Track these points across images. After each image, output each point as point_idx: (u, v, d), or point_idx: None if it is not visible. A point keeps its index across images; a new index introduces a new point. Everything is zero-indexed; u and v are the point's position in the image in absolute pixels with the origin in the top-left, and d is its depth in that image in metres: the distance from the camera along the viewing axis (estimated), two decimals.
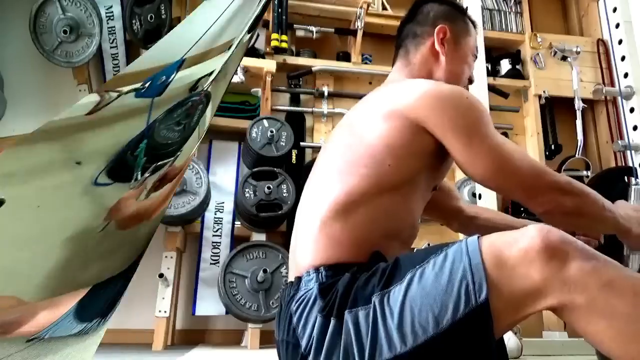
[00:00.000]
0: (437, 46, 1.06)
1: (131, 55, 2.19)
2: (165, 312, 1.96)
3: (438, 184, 1.05)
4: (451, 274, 0.70)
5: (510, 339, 1.59)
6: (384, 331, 0.71)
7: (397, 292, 0.73)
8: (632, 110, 1.78)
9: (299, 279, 0.87)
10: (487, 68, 2.55)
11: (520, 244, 0.70)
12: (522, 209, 2.39)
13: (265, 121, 2.16)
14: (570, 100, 2.50)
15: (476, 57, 1.15)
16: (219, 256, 2.15)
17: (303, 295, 0.83)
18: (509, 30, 2.68)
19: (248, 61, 2.18)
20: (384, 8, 2.55)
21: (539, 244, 0.68)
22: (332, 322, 0.75)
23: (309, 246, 0.89)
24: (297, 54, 2.46)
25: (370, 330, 0.72)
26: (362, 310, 0.74)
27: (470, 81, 1.14)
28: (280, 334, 0.87)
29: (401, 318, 0.70)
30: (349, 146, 0.93)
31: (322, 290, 0.80)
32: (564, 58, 2.62)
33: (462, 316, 0.68)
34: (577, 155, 2.47)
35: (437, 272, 0.71)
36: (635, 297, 0.66)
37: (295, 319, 0.82)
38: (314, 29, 2.42)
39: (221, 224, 2.19)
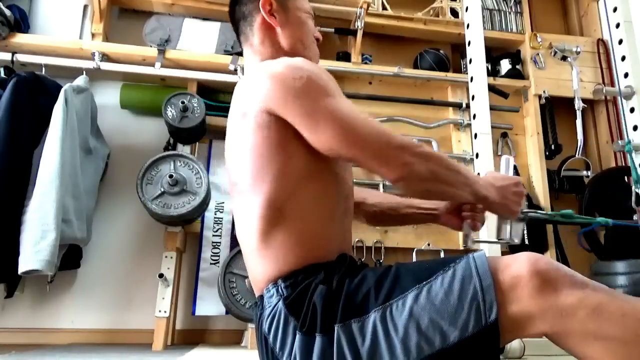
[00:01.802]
0: (268, 19, 1.04)
1: (233, 246, 2.12)
2: (165, 312, 1.96)
3: None
4: (461, 292, 0.71)
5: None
6: (386, 345, 0.71)
7: (401, 307, 0.73)
8: (632, 110, 1.78)
9: (261, 297, 0.87)
10: (487, 68, 2.55)
11: (512, 269, 0.72)
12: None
13: None
14: (570, 100, 2.49)
15: (312, 14, 1.13)
16: (219, 256, 2.14)
17: (270, 313, 0.83)
18: (509, 30, 2.67)
19: None
20: (384, 8, 2.55)
21: (526, 272, 0.70)
22: (318, 338, 0.75)
23: (257, 267, 0.89)
24: None
25: (369, 343, 0.72)
26: (355, 323, 0.74)
27: (318, 40, 1.13)
28: (261, 355, 0.87)
29: (406, 332, 0.71)
30: (240, 164, 0.92)
31: (288, 305, 0.80)
32: (564, 58, 2.62)
33: (470, 334, 0.69)
34: (577, 155, 2.47)
35: (446, 290, 0.72)
36: (624, 319, 0.68)
37: (271, 340, 0.81)
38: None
39: (221, 224, 2.19)
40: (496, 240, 1.05)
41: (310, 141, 0.85)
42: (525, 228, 1.13)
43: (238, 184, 0.92)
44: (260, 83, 0.89)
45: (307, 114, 0.85)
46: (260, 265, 0.88)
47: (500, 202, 0.94)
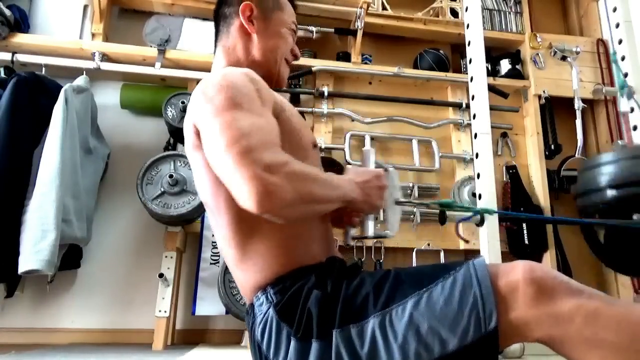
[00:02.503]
0: (245, 24, 1.02)
1: None
2: (165, 312, 1.96)
3: (306, 142, 0.97)
4: (461, 300, 0.72)
5: None
6: (385, 350, 0.71)
7: (400, 313, 0.73)
8: (632, 110, 1.78)
9: (251, 305, 0.87)
10: (487, 68, 2.55)
11: (509, 277, 0.73)
12: (522, 208, 2.40)
13: None
14: (570, 100, 2.50)
15: (295, 31, 1.10)
16: (219, 256, 2.15)
17: (261, 320, 0.82)
18: (509, 30, 2.68)
19: None
20: (384, 8, 2.55)
21: (523, 280, 0.71)
22: (315, 343, 0.74)
23: (241, 278, 0.89)
24: None
25: (368, 348, 0.72)
26: (354, 328, 0.74)
27: (296, 57, 1.10)
28: None
29: (405, 339, 0.71)
30: (199, 184, 0.91)
31: (280, 311, 0.80)
32: (563, 58, 2.62)
33: (470, 342, 0.70)
34: (577, 155, 2.47)
35: (446, 297, 0.73)
36: (620, 325, 0.68)
37: (264, 347, 0.81)
38: (314, 29, 2.42)
39: None
40: (363, 236, 1.03)
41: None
42: (399, 219, 1.09)
43: (206, 203, 0.92)
44: (193, 95, 0.87)
45: (204, 124, 0.81)
46: (245, 276, 0.88)
47: (363, 199, 0.91)
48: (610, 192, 1.53)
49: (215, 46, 1.08)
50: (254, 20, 1.03)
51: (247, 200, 0.71)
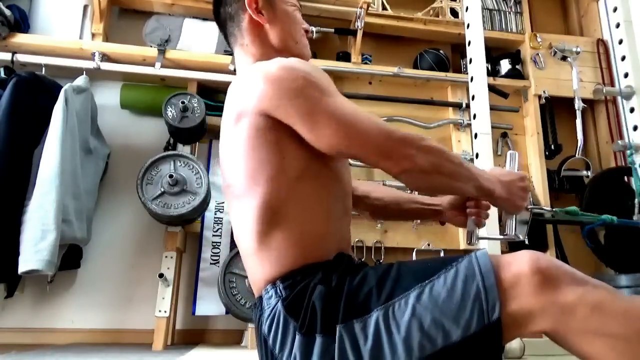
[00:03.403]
0: (255, 17, 1.02)
1: (233, 246, 2.11)
2: (165, 312, 1.96)
3: None
4: (464, 291, 0.71)
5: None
6: (388, 344, 0.71)
7: (403, 306, 0.73)
8: (632, 110, 1.78)
9: (260, 298, 0.87)
10: (487, 68, 2.55)
11: (513, 267, 0.72)
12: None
13: None
14: (570, 100, 2.50)
15: (298, 7, 1.11)
16: (219, 256, 2.14)
17: (269, 314, 0.82)
18: (509, 30, 2.67)
19: None
20: (384, 8, 2.55)
21: (528, 270, 0.70)
22: (319, 338, 0.74)
23: (255, 268, 0.89)
24: None
25: (372, 342, 0.72)
26: (357, 323, 0.74)
27: (307, 32, 1.11)
28: (260, 356, 0.87)
29: (409, 331, 0.71)
30: (234, 166, 0.92)
31: (287, 306, 0.80)
32: (563, 58, 2.62)
33: (473, 333, 0.69)
34: (577, 155, 2.47)
35: (449, 289, 0.72)
36: (625, 316, 0.68)
37: (270, 341, 0.81)
38: (314, 29, 2.41)
39: (221, 224, 2.19)
40: (501, 236, 1.05)
41: (311, 141, 0.85)
42: (529, 224, 1.12)
43: (233, 186, 0.92)
44: (254, 85, 0.88)
45: (306, 114, 0.84)
46: (259, 267, 0.88)
47: (505, 197, 0.94)
48: None
49: (232, 49, 1.08)
50: (261, 10, 1.03)
51: (395, 168, 0.84)
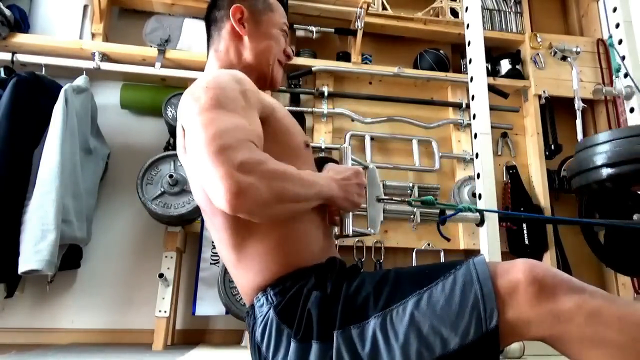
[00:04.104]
0: (236, 27, 1.02)
1: None
2: (165, 312, 1.96)
3: (298, 142, 0.97)
4: (462, 299, 0.71)
5: None
6: (386, 351, 0.71)
7: (401, 313, 0.73)
8: (632, 110, 1.78)
9: (252, 306, 0.86)
10: (487, 68, 2.55)
11: (510, 276, 0.72)
12: (522, 208, 2.39)
13: None
14: (570, 100, 2.49)
15: (286, 32, 1.10)
16: (218, 256, 2.14)
17: (262, 322, 0.82)
18: (509, 30, 2.68)
19: None
20: (384, 8, 2.55)
21: (524, 278, 0.70)
22: (315, 345, 0.74)
23: (240, 279, 0.89)
24: (297, 54, 2.46)
25: (369, 349, 0.72)
26: (355, 329, 0.74)
27: (289, 57, 1.09)
28: None
29: (406, 339, 0.71)
30: (193, 185, 0.91)
31: (280, 313, 0.80)
32: (563, 58, 2.62)
33: (471, 341, 0.69)
34: None
35: (447, 296, 0.72)
36: (622, 323, 0.67)
37: (264, 348, 0.81)
38: (314, 29, 2.42)
39: None
40: (342, 235, 1.01)
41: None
42: (381, 216, 1.07)
43: (201, 206, 0.91)
44: (184, 97, 0.86)
45: (189, 122, 0.79)
46: (244, 278, 0.87)
47: (343, 196, 0.89)
48: (605, 171, 1.53)
49: (208, 50, 1.08)
50: (244, 22, 1.03)
51: (220, 200, 0.69)
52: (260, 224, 0.84)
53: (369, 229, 1.04)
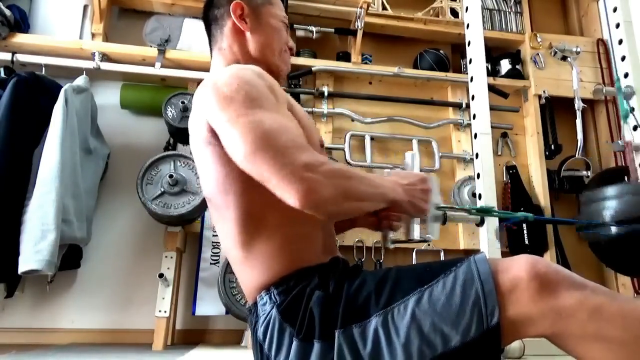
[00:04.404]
0: (237, 23, 1.02)
1: None
2: (165, 312, 1.96)
3: (315, 141, 0.98)
4: (463, 296, 0.71)
5: None
6: (388, 349, 0.71)
7: (402, 311, 0.73)
8: (632, 110, 1.78)
9: (255, 305, 0.86)
10: (487, 68, 2.55)
11: (511, 272, 0.72)
12: (522, 208, 2.39)
13: None
14: (570, 100, 2.50)
15: (286, 24, 1.10)
16: (218, 256, 2.15)
17: (264, 320, 0.82)
18: (509, 30, 2.68)
19: None
20: (384, 8, 2.55)
21: (526, 275, 0.70)
22: (317, 344, 0.74)
23: (244, 277, 0.89)
24: (297, 54, 2.46)
25: (371, 347, 0.72)
26: (356, 328, 0.74)
27: (291, 49, 1.10)
28: None
29: (408, 337, 0.71)
30: (205, 180, 0.91)
31: (283, 312, 0.80)
32: (564, 58, 2.62)
33: (472, 338, 0.69)
34: (577, 155, 2.47)
35: (448, 294, 0.72)
36: (624, 320, 0.68)
37: (266, 347, 0.81)
38: (314, 29, 2.42)
39: None
40: (406, 240, 1.03)
41: (226, 147, 0.80)
42: (440, 224, 1.09)
43: (211, 200, 0.91)
44: (204, 93, 0.86)
45: (226, 123, 0.79)
46: (248, 275, 0.87)
47: (408, 201, 0.90)
48: (614, 229, 1.53)
49: (211, 50, 1.08)
50: (245, 18, 1.03)
51: (291, 198, 0.72)
52: (270, 223, 0.85)
53: (429, 235, 1.04)
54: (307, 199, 0.72)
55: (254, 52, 1.03)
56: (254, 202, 0.84)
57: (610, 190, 1.57)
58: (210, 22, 1.08)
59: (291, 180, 0.72)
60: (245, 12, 1.03)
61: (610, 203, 1.55)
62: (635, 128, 1.75)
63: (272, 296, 0.83)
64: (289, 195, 0.72)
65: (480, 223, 1.50)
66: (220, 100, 0.81)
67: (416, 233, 1.02)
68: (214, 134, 0.84)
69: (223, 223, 0.89)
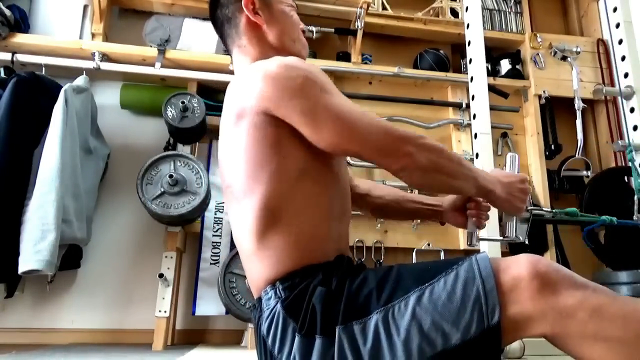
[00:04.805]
0: (253, 18, 1.03)
1: (233, 246, 2.11)
2: (165, 312, 1.96)
3: None
4: (464, 295, 0.71)
5: None
6: (388, 346, 0.71)
7: (403, 308, 0.73)
8: (632, 110, 1.78)
9: (259, 299, 0.87)
10: (487, 68, 2.55)
11: (512, 271, 0.72)
12: None
13: None
14: (570, 100, 2.50)
15: (293, 5, 1.11)
16: (219, 256, 2.15)
17: (269, 315, 0.82)
18: (509, 30, 2.67)
19: None
20: (384, 8, 2.55)
21: (527, 274, 0.70)
22: (318, 339, 0.74)
23: (254, 269, 0.89)
24: None
25: (371, 344, 0.72)
26: (357, 325, 0.74)
27: (303, 32, 1.11)
28: (259, 357, 0.87)
29: (408, 334, 0.71)
30: (234, 166, 0.91)
31: (287, 307, 0.80)
32: (564, 58, 2.62)
33: (472, 336, 0.69)
34: (577, 155, 2.47)
35: (449, 292, 0.72)
36: (625, 320, 0.68)
37: (269, 342, 0.81)
38: (314, 29, 2.42)
39: (221, 224, 2.19)
40: (501, 238, 1.05)
41: (312, 139, 0.85)
42: (529, 226, 1.12)
43: (232, 187, 0.91)
44: (254, 84, 0.88)
45: (307, 112, 0.84)
46: (258, 267, 0.88)
47: (505, 197, 0.94)
48: None
49: (230, 51, 1.08)
50: (258, 11, 1.04)
51: (391, 163, 0.85)
52: (287, 217, 0.85)
53: (518, 236, 1.06)
54: (402, 163, 0.83)
55: (275, 42, 1.04)
56: (277, 193, 0.85)
57: (623, 276, 1.60)
58: (221, 23, 1.08)
59: (390, 150, 0.83)
60: (257, 6, 1.03)
61: (623, 289, 1.57)
62: (635, 128, 1.76)
63: (277, 291, 0.83)
64: (388, 161, 0.84)
65: None
66: (288, 90, 0.85)
67: (514, 232, 1.04)
68: (271, 121, 0.86)
69: (241, 212, 0.89)
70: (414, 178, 0.86)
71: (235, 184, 0.90)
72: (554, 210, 1.17)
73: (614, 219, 1.33)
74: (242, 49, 1.05)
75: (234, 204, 0.92)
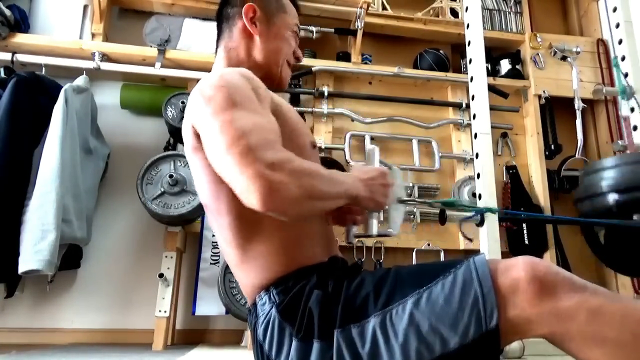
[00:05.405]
0: (248, 26, 1.02)
1: None
2: (165, 312, 1.96)
3: (305, 142, 0.97)
4: (462, 298, 0.71)
5: None
6: (386, 350, 0.71)
7: (401, 312, 0.73)
8: (632, 110, 1.78)
9: (254, 305, 0.86)
10: (487, 68, 2.55)
11: (510, 274, 0.72)
12: (522, 208, 2.39)
13: None
14: (570, 100, 2.49)
15: (297, 33, 1.09)
16: (219, 256, 2.14)
17: (264, 320, 0.82)
18: (509, 30, 2.68)
19: None
20: (384, 8, 2.55)
21: (525, 276, 0.70)
22: (316, 343, 0.74)
23: (243, 278, 0.89)
24: None
25: (369, 348, 0.72)
26: (354, 328, 0.74)
27: (298, 59, 1.09)
28: None
29: (406, 338, 0.70)
30: (199, 185, 0.90)
31: (282, 312, 0.80)
32: (563, 58, 2.62)
33: (471, 340, 0.69)
34: (577, 155, 2.47)
35: (446, 295, 0.72)
36: (623, 321, 0.67)
37: (266, 347, 0.81)
38: (314, 29, 2.42)
39: None
40: (366, 235, 1.01)
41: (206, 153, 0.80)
42: (402, 218, 1.06)
43: (206, 205, 0.91)
44: (193, 96, 0.86)
45: (205, 122, 0.79)
46: (246, 277, 0.88)
47: (368, 196, 0.88)
48: (612, 197, 1.53)
49: (217, 46, 1.08)
50: (256, 22, 1.03)
51: (252, 199, 0.69)
52: (265, 224, 0.84)
53: (390, 229, 1.03)
54: (268, 199, 0.69)
55: (258, 57, 1.03)
56: (247, 209, 0.78)
57: (609, 161, 1.59)
58: (221, 20, 1.08)
59: (254, 180, 0.68)
60: (257, 16, 1.03)
61: (608, 173, 1.55)
62: (635, 128, 1.75)
63: (272, 296, 0.83)
64: (251, 196, 0.69)
65: (480, 223, 1.50)
66: (202, 103, 0.81)
67: (374, 228, 1.00)
68: (199, 138, 0.83)
69: (219, 227, 0.90)
70: (284, 213, 0.73)
71: (208, 203, 0.90)
72: (429, 201, 1.14)
73: (494, 208, 1.33)
74: (225, 50, 1.04)
75: (213, 220, 0.92)
